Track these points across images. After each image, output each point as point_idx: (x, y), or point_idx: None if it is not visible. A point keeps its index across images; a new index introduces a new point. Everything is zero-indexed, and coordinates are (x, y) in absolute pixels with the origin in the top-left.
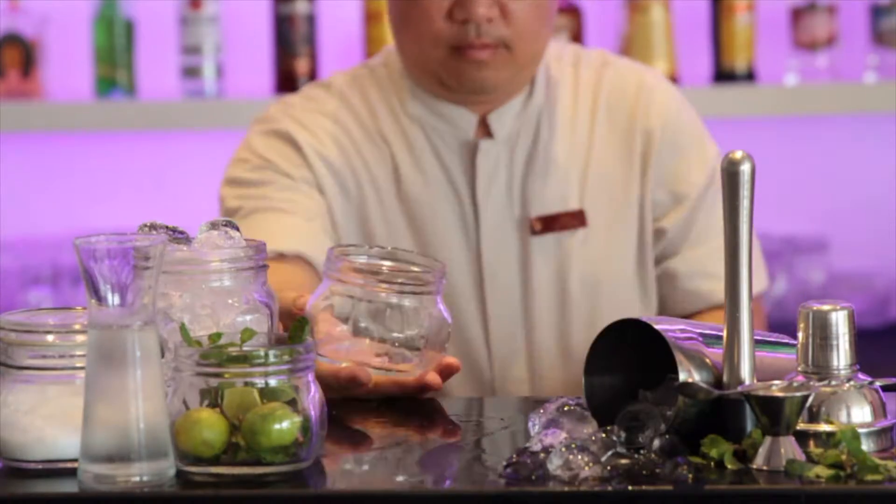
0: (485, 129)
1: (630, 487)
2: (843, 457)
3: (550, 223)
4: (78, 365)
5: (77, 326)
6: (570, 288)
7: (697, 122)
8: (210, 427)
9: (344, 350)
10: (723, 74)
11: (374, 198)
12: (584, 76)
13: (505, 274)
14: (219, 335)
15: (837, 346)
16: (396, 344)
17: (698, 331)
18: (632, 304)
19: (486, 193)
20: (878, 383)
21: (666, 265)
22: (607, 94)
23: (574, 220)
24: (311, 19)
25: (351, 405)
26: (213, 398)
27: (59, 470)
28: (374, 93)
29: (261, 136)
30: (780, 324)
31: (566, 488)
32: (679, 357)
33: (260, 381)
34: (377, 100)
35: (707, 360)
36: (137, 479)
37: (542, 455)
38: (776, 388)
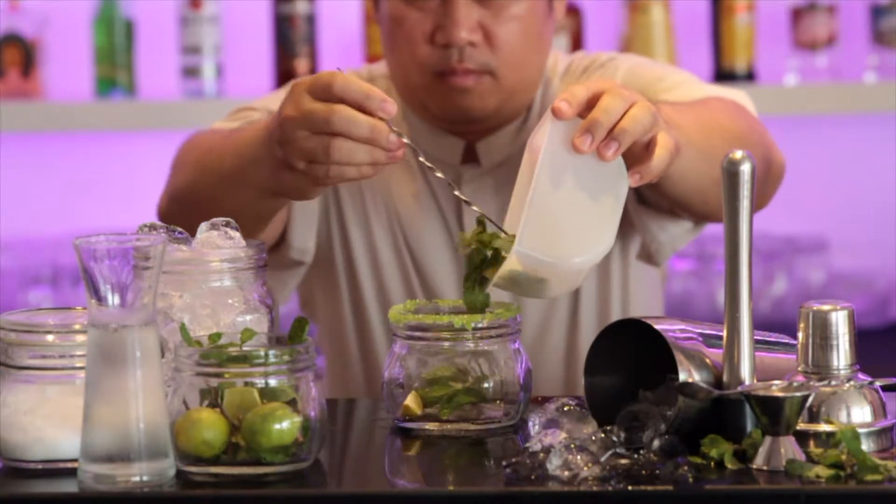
0: (473, 156)
1: (630, 487)
2: (843, 457)
3: None
4: (78, 365)
5: (77, 326)
6: (555, 321)
7: (663, 67)
8: (210, 427)
9: None
10: (723, 74)
11: (373, 206)
12: None
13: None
14: (219, 335)
15: (837, 346)
16: None
17: (698, 331)
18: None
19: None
20: (878, 383)
21: None
22: None
23: None
24: (311, 19)
25: (350, 406)
26: (213, 398)
27: (59, 470)
28: None
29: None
30: (780, 324)
31: (565, 488)
32: (679, 357)
33: (260, 381)
34: None
35: (707, 360)
36: (137, 479)
37: (541, 455)
38: (776, 388)
